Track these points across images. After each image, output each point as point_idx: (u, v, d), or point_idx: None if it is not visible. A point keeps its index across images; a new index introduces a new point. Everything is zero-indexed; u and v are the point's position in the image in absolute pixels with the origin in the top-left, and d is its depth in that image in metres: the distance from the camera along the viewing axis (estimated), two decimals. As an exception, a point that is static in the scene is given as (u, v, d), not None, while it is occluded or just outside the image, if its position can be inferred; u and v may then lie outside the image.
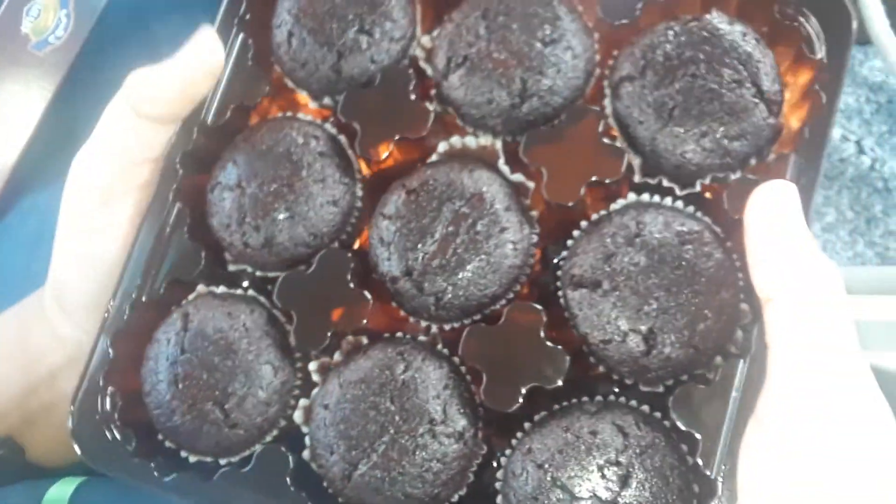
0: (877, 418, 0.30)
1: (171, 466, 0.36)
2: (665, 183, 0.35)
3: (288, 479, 0.35)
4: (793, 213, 0.31)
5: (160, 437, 0.37)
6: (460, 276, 0.34)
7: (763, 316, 0.31)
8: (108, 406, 0.37)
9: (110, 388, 0.37)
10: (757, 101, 0.33)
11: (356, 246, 0.39)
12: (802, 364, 0.30)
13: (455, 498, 0.34)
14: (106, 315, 0.38)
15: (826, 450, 0.29)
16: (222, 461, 0.37)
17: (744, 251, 0.32)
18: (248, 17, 0.40)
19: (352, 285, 0.36)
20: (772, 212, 0.31)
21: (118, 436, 0.37)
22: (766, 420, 0.30)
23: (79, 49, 0.56)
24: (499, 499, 0.33)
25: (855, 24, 0.34)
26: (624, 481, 0.31)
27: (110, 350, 0.37)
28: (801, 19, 0.34)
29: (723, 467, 0.32)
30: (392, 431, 0.33)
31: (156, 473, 0.36)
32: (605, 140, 0.35)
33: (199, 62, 0.37)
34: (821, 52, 0.34)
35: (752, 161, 0.34)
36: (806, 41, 0.34)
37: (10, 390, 0.43)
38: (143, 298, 0.38)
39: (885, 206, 0.64)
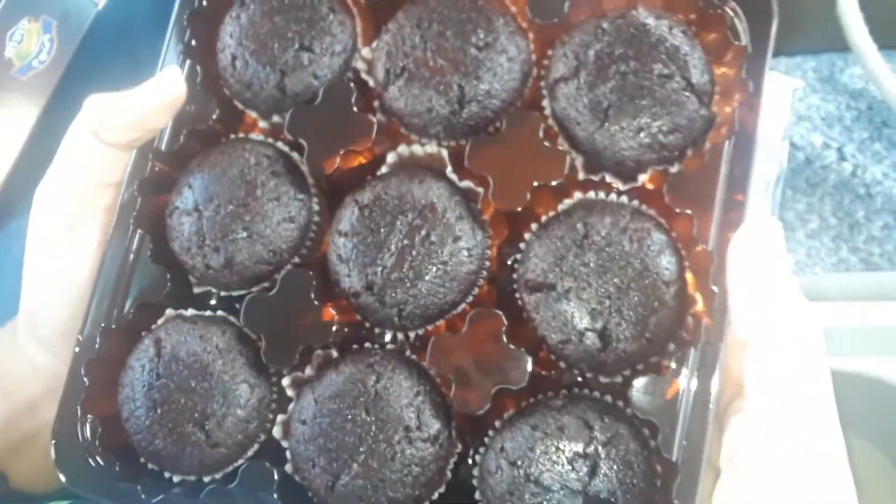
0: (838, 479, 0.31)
1: (156, 487, 0.37)
2: (608, 179, 0.36)
3: (275, 494, 0.36)
4: (775, 256, 0.32)
5: (142, 460, 0.38)
6: (420, 286, 0.35)
7: (744, 357, 0.32)
8: (87, 433, 0.38)
9: (89, 416, 0.38)
10: (688, 93, 0.34)
11: (317, 258, 0.40)
12: (781, 419, 0.31)
13: (435, 496, 0.36)
14: (77, 343, 0.39)
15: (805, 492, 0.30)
16: (206, 479, 0.38)
17: (689, 240, 0.34)
18: (193, 43, 0.40)
19: (316, 302, 0.37)
20: (754, 253, 0.32)
21: (101, 461, 0.38)
22: (743, 472, 0.31)
23: (62, 73, 0.57)
24: (477, 494, 0.35)
25: (776, 8, 0.35)
26: (592, 471, 0.33)
27: (85, 378, 0.38)
28: (725, 7, 0.35)
29: (683, 443, 0.33)
30: (370, 441, 0.35)
31: (142, 496, 0.37)
32: (546, 143, 0.35)
33: (161, 95, 0.39)
34: (745, 39, 0.35)
35: (689, 152, 0.35)
36: (731, 28, 0.35)
37: None
38: (113, 325, 0.39)
39: (867, 212, 0.65)
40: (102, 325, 0.39)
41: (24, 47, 0.57)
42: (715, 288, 0.33)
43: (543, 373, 0.35)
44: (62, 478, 0.38)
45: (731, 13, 0.35)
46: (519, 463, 0.33)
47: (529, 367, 0.35)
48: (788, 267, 0.32)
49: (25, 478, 0.44)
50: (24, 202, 0.57)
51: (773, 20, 0.35)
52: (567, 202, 0.36)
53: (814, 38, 0.72)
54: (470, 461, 0.36)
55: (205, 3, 0.40)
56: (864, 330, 0.53)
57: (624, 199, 0.36)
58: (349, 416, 0.35)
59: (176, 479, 0.38)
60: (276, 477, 0.36)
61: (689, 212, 0.34)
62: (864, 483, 0.57)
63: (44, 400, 0.43)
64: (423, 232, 0.35)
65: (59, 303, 0.40)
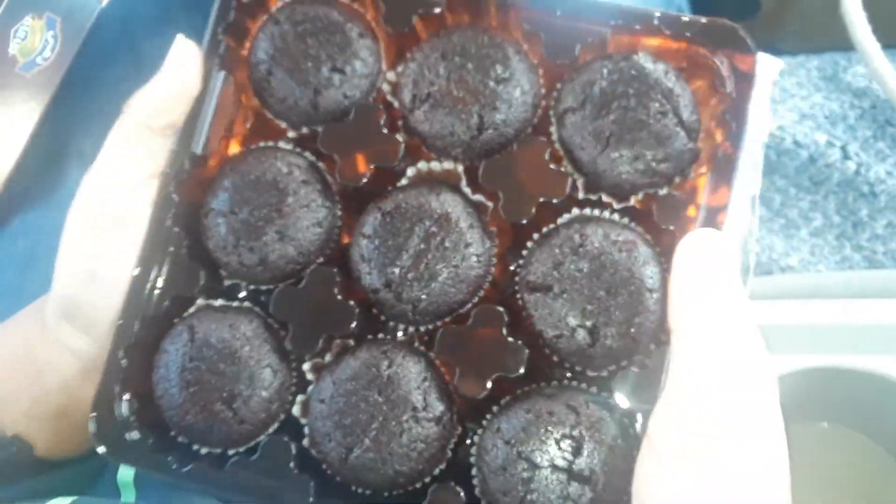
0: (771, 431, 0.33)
1: (185, 458, 0.41)
2: (604, 198, 0.41)
3: (292, 465, 0.40)
4: (717, 258, 0.36)
5: (173, 433, 0.42)
6: (433, 285, 0.40)
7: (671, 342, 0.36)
8: (125, 410, 0.42)
9: (126, 395, 0.42)
10: (678, 129, 0.39)
11: (338, 259, 0.44)
12: (702, 383, 0.33)
13: (436, 472, 0.40)
14: (117, 329, 0.42)
15: (720, 466, 0.32)
16: (231, 452, 0.42)
17: (671, 254, 0.38)
18: (225, 54, 0.44)
19: (339, 297, 0.41)
20: (696, 255, 0.36)
21: (136, 435, 0.42)
22: (657, 441, 0.34)
23: (66, 70, 0.57)
24: (473, 471, 0.39)
25: (756, 62, 0.40)
26: (577, 451, 0.37)
27: (124, 360, 0.42)
28: (713, 58, 0.40)
29: None
30: (381, 419, 0.39)
31: (174, 466, 0.41)
32: (552, 166, 0.40)
33: (183, 67, 0.42)
34: (730, 86, 0.40)
35: (677, 179, 0.40)
36: (717, 76, 0.40)
37: (19, 401, 0.45)
38: (151, 313, 0.43)
39: (870, 211, 0.65)
40: (141, 312, 0.42)
41: (27, 44, 0.57)
42: None
43: (538, 365, 0.39)
44: (102, 449, 0.41)
45: (718, 63, 0.40)
46: (512, 442, 0.37)
47: (525, 359, 0.39)
48: (732, 270, 0.36)
49: (51, 446, 0.46)
50: (28, 199, 0.58)
51: (755, 70, 0.39)
52: (566, 217, 0.41)
53: (817, 37, 0.72)
54: (469, 441, 0.40)
55: (233, 17, 0.44)
56: (869, 327, 0.53)
57: (616, 216, 0.40)
58: (363, 397, 0.39)
59: (203, 451, 0.42)
60: (293, 451, 0.40)
61: (671, 228, 0.39)
62: (866, 479, 0.58)
63: (77, 381, 0.45)
64: (438, 238, 0.40)
65: (102, 293, 0.42)
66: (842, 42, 0.64)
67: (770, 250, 0.65)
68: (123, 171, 0.42)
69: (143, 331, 0.42)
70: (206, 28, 0.44)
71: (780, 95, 0.71)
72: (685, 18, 0.40)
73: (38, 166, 0.58)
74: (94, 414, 0.41)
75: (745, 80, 0.39)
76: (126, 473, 0.43)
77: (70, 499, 0.41)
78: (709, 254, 0.36)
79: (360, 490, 0.40)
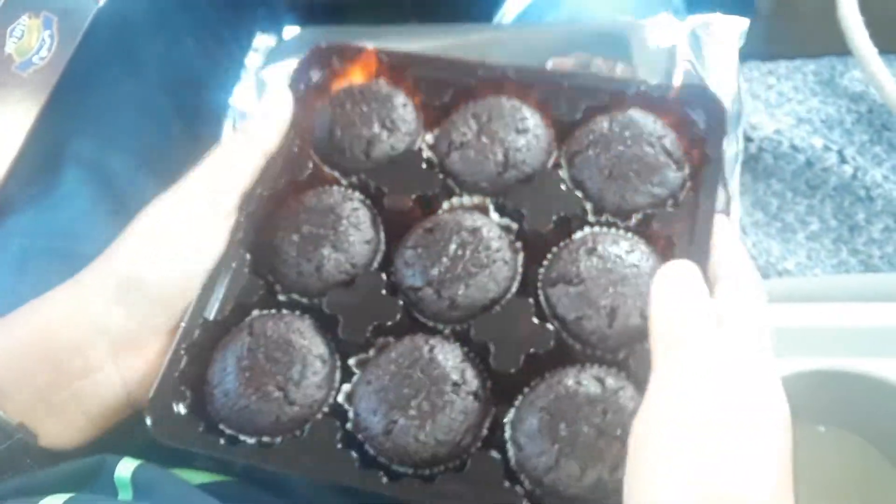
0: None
1: (233, 446, 0.45)
2: (609, 219, 0.49)
3: (337, 444, 0.44)
4: (689, 282, 0.42)
5: (222, 427, 0.46)
6: (469, 282, 0.47)
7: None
8: (180, 408, 0.46)
9: (181, 388, 0.46)
10: (668, 161, 0.49)
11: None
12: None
13: (473, 450, 0.44)
14: (183, 330, 0.47)
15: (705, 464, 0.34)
16: (279, 439, 0.45)
17: (668, 254, 0.45)
18: (292, 121, 0.54)
19: (384, 292, 0.48)
20: (671, 279, 0.42)
21: (190, 424, 0.45)
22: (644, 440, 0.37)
23: (63, 69, 0.57)
24: (508, 445, 0.43)
25: (727, 113, 0.50)
26: (605, 413, 0.41)
27: (184, 356, 0.46)
28: (689, 111, 0.50)
29: None
30: (423, 393, 0.43)
31: (221, 442, 0.44)
32: (563, 187, 0.50)
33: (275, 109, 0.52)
34: (704, 130, 0.50)
35: (670, 201, 0.49)
36: (695, 124, 0.50)
37: (30, 386, 0.44)
38: (212, 318, 0.48)
39: (867, 215, 0.65)
40: (202, 316, 0.48)
41: (24, 43, 0.57)
42: None
43: (562, 353, 0.45)
44: (159, 437, 0.44)
45: (693, 115, 0.50)
46: (545, 408, 0.42)
47: (552, 337, 0.45)
48: (703, 291, 0.41)
49: (55, 435, 0.45)
50: (24, 199, 0.58)
51: (725, 119, 0.49)
52: (579, 233, 0.49)
53: (814, 42, 0.73)
54: (504, 421, 0.44)
55: (303, 93, 0.55)
56: (865, 331, 0.53)
57: (621, 231, 0.48)
58: (406, 374, 0.44)
59: (250, 441, 0.46)
60: (338, 432, 0.44)
61: (670, 236, 0.47)
62: (862, 481, 0.58)
63: (101, 361, 0.45)
64: (472, 245, 0.47)
65: (174, 279, 0.47)
66: (838, 46, 0.64)
67: (767, 254, 0.66)
68: (228, 175, 0.49)
69: (204, 334, 0.47)
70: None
71: (776, 100, 0.72)
72: (663, 86, 0.51)
73: (34, 166, 0.58)
74: (150, 408, 0.45)
75: (716, 125, 0.49)
76: (124, 471, 0.43)
77: (66, 496, 0.40)
78: (679, 278, 0.42)
79: (401, 469, 0.44)
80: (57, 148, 0.59)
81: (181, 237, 0.47)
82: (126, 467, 0.43)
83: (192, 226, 0.48)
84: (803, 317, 0.56)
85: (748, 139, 0.69)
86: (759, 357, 0.38)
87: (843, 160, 0.65)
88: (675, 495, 0.33)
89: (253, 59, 0.75)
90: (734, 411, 0.35)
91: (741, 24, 0.59)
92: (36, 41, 0.57)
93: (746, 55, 0.65)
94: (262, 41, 0.78)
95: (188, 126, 0.64)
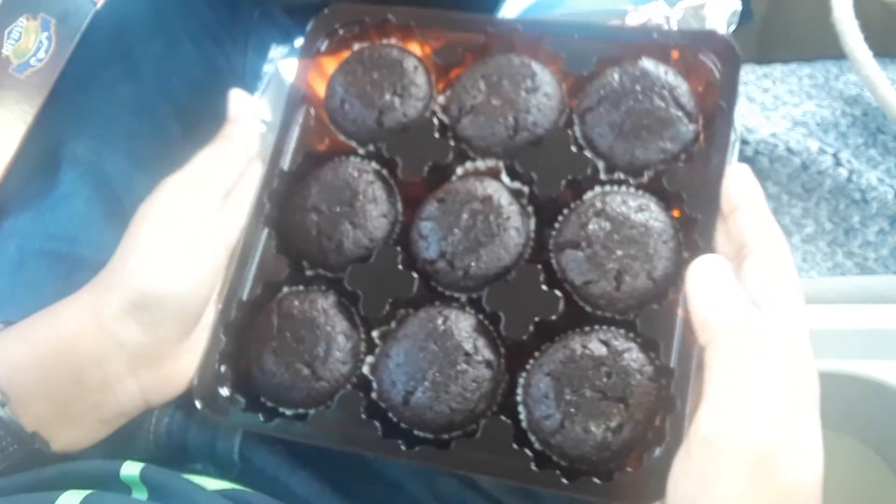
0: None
1: (272, 416, 0.48)
2: (622, 176, 0.48)
3: (362, 413, 0.46)
4: (724, 274, 0.41)
5: (261, 399, 0.49)
6: (481, 253, 0.47)
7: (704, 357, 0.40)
8: (224, 390, 0.49)
9: (223, 367, 0.49)
10: (680, 115, 0.47)
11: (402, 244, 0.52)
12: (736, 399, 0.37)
13: (488, 414, 0.45)
14: (220, 312, 0.50)
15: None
16: (311, 411, 0.48)
17: (680, 215, 0.45)
18: (305, 94, 0.54)
19: (401, 268, 0.49)
20: (707, 273, 0.42)
21: (232, 400, 0.48)
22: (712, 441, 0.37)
23: (60, 71, 0.57)
24: (520, 408, 0.45)
25: (739, 56, 0.47)
26: (609, 375, 0.42)
27: (223, 338, 0.49)
28: (702, 57, 0.48)
29: (676, 357, 0.43)
30: (439, 364, 0.45)
31: (262, 420, 0.47)
32: (573, 148, 0.48)
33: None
34: (718, 75, 0.48)
35: (682, 156, 0.47)
36: (709, 71, 0.48)
37: (48, 399, 0.45)
38: (245, 299, 0.50)
39: (862, 217, 0.66)
40: (236, 297, 0.50)
41: (22, 45, 0.57)
42: (699, 240, 0.44)
43: (571, 318, 0.46)
44: (208, 413, 0.47)
45: (708, 62, 0.48)
46: (553, 373, 0.43)
47: (560, 304, 0.46)
48: (734, 281, 0.41)
49: (69, 441, 0.46)
50: (20, 201, 0.57)
51: (739, 63, 0.47)
52: (590, 193, 0.48)
53: (809, 45, 0.73)
54: (516, 388, 0.46)
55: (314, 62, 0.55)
56: (860, 333, 0.53)
57: (632, 189, 0.48)
58: (422, 347, 0.46)
59: (288, 413, 0.49)
60: (363, 402, 0.47)
61: (681, 193, 0.46)
62: (858, 483, 0.58)
63: (120, 374, 0.46)
64: (483, 215, 0.48)
65: (186, 290, 0.47)
66: (833, 50, 0.65)
67: (763, 256, 0.65)
68: (238, 149, 0.50)
69: (239, 313, 0.50)
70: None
71: (772, 103, 0.72)
72: (676, 32, 0.49)
73: (31, 168, 0.57)
74: (197, 385, 0.48)
75: (730, 69, 0.47)
76: (130, 471, 0.43)
77: (83, 493, 0.40)
78: (713, 273, 0.42)
79: (421, 434, 0.46)
80: (54, 150, 0.59)
81: (189, 242, 0.47)
82: (131, 467, 0.43)
83: (199, 230, 0.47)
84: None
85: (744, 142, 0.69)
86: (801, 339, 0.39)
87: (838, 163, 0.65)
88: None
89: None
90: (793, 405, 0.38)
91: (733, 4, 0.59)
92: (33, 43, 0.57)
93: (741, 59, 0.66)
94: (278, 52, 0.77)
95: (185, 128, 0.64)
